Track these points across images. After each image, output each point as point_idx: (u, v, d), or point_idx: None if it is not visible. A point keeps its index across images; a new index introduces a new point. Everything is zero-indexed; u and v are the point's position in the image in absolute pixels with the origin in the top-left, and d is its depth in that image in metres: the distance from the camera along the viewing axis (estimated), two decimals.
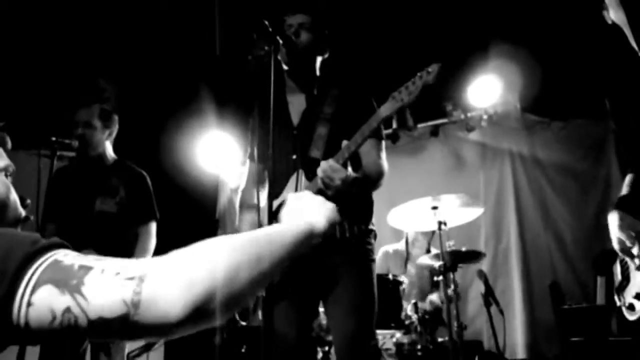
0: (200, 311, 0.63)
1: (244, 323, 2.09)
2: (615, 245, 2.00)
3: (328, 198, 1.87)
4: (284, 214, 0.96)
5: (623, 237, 1.95)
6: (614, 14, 1.57)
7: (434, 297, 3.55)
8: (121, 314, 0.63)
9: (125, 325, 0.63)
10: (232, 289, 0.66)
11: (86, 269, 0.65)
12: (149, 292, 0.63)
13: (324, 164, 1.89)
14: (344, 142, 1.93)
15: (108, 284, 0.64)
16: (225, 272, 0.66)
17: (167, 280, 0.64)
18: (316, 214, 0.91)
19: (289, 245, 0.78)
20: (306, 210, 0.92)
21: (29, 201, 0.90)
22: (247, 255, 0.70)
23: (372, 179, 2.09)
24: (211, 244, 0.71)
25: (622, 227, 1.96)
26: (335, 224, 0.93)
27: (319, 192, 1.92)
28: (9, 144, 0.87)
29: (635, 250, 1.95)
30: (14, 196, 0.86)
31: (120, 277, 0.64)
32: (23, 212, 0.89)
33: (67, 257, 0.67)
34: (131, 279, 0.64)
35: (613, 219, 2.00)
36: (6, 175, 0.86)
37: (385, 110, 1.88)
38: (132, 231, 2.80)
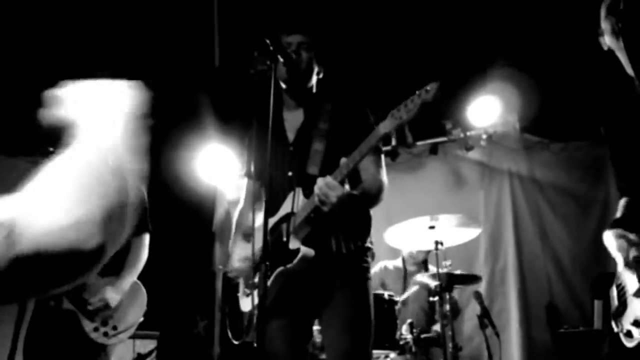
0: None
1: (237, 342, 2.06)
2: (618, 259, 2.03)
3: (324, 214, 1.88)
4: None
5: (620, 246, 1.99)
6: (610, 40, 1.58)
7: (439, 327, 3.46)
8: None
9: None
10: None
11: None
12: None
13: (320, 181, 1.88)
14: (343, 160, 1.92)
15: None
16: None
17: None
18: None
19: None
20: None
21: None
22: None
23: (372, 194, 2.08)
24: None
25: (617, 235, 2.00)
26: None
27: (316, 208, 1.91)
28: None
29: (633, 252, 1.98)
30: None
31: None
32: None
33: None
34: None
35: (608, 235, 2.05)
36: None
37: (384, 127, 1.88)
38: (126, 242, 2.78)
